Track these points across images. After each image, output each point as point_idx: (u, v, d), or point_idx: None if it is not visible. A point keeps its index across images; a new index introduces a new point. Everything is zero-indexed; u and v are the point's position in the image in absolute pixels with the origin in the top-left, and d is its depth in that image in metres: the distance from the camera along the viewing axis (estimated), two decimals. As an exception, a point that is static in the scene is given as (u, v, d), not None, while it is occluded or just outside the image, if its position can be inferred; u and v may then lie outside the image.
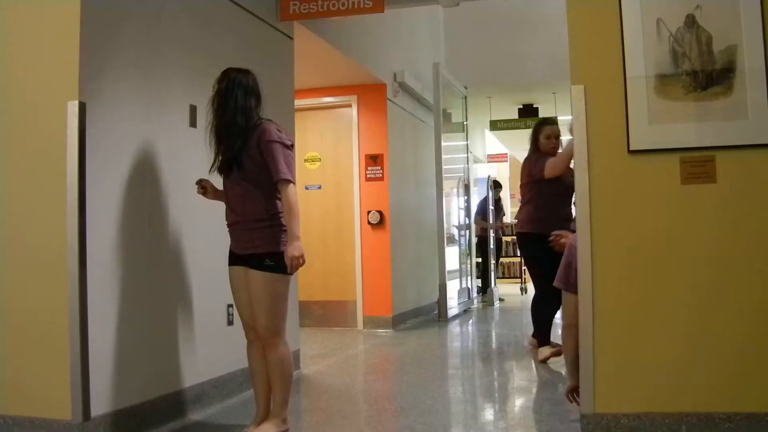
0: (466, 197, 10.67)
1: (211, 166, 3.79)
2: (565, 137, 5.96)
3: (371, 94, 8.31)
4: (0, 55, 3.61)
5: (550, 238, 4.26)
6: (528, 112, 12.66)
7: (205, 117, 3.90)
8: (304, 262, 3.63)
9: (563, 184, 5.74)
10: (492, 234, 11.51)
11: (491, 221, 11.47)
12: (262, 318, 3.67)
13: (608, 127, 3.46)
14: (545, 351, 5.86)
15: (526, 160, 6.09)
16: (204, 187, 3.87)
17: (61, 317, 3.39)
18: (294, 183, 3.65)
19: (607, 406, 3.38)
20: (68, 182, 3.40)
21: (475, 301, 10.99)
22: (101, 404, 3.49)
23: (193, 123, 4.30)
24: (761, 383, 3.27)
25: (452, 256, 9.87)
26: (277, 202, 3.68)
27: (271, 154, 3.63)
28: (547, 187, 5.87)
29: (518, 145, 17.40)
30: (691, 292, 3.37)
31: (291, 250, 3.60)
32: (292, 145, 3.76)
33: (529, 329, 8.70)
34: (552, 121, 6.22)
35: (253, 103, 3.73)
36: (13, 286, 3.54)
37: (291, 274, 3.65)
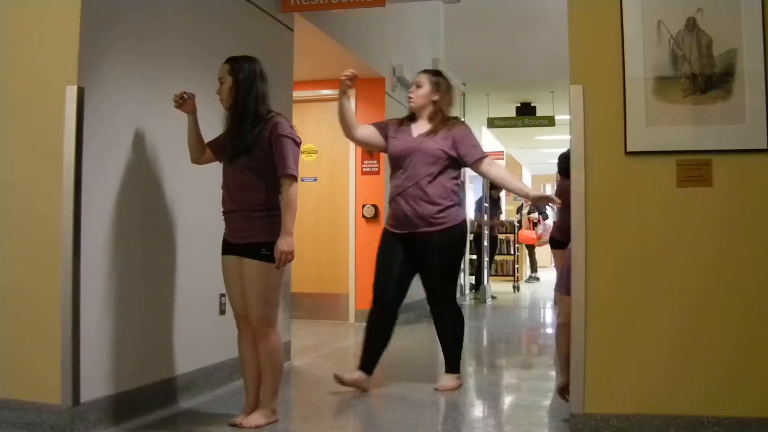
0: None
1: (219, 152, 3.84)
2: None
3: (369, 87, 8.29)
4: (1, 39, 3.60)
5: None
6: (526, 110, 12.64)
7: (204, 105, 3.90)
8: (292, 258, 3.63)
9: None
10: (487, 231, 11.52)
11: (486, 219, 11.49)
12: (255, 307, 3.66)
13: (606, 127, 3.46)
14: (451, 381, 4.75)
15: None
16: (183, 98, 3.82)
17: (53, 302, 3.38)
18: (297, 180, 3.66)
19: (597, 406, 3.38)
20: (65, 167, 3.39)
21: (467, 298, 11.00)
22: (91, 389, 3.49)
23: (190, 111, 4.28)
24: (751, 388, 3.28)
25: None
26: (278, 195, 3.69)
27: (281, 148, 3.64)
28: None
29: (515, 143, 17.43)
30: (685, 296, 3.38)
31: (281, 244, 3.60)
32: (300, 143, 3.78)
33: (520, 327, 8.73)
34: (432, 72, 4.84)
35: (268, 90, 3.77)
36: (6, 269, 3.53)
37: (278, 268, 3.64)
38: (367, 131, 4.73)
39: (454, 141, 4.56)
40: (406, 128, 4.68)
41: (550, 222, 13.15)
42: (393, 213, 4.62)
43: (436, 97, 4.65)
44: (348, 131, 4.67)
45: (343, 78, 4.40)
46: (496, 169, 4.78)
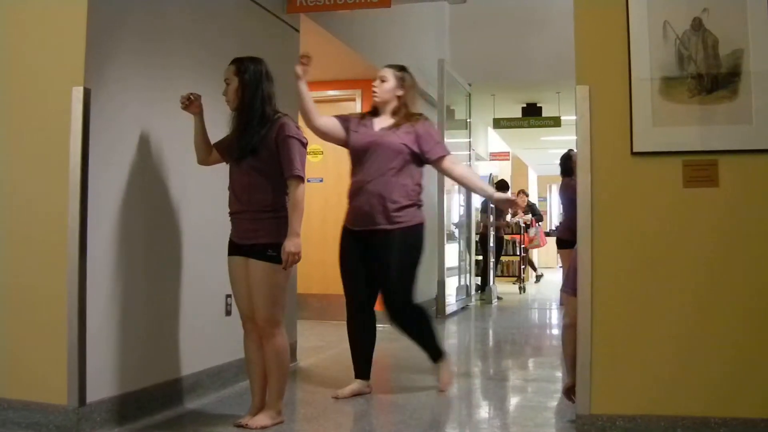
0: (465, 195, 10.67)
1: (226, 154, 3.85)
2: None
3: (375, 88, 8.28)
4: (7, 40, 3.61)
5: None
6: (531, 111, 12.63)
7: (210, 106, 3.90)
8: (299, 259, 3.63)
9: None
10: (492, 232, 11.52)
11: (492, 220, 11.48)
12: (261, 308, 3.67)
13: (612, 128, 3.46)
14: (444, 373, 4.76)
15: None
16: (189, 99, 3.79)
17: (59, 303, 3.39)
18: (304, 181, 3.66)
19: (603, 407, 3.38)
20: (71, 167, 3.40)
21: (473, 299, 11.00)
22: (97, 390, 3.50)
23: (196, 112, 4.28)
24: (758, 388, 3.28)
25: (452, 253, 9.86)
26: (284, 196, 3.69)
27: (287, 149, 3.65)
28: None
29: (521, 143, 17.42)
30: (690, 296, 3.38)
31: (288, 245, 3.60)
32: (306, 144, 3.77)
33: (526, 328, 8.73)
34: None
35: (274, 90, 3.78)
36: (12, 270, 3.55)
37: (285, 269, 3.65)
38: (329, 122, 4.62)
39: (417, 136, 4.50)
40: (368, 122, 4.60)
41: (555, 223, 13.12)
42: (352, 209, 4.52)
43: (400, 93, 4.60)
44: (308, 119, 4.54)
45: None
46: (460, 169, 4.74)
